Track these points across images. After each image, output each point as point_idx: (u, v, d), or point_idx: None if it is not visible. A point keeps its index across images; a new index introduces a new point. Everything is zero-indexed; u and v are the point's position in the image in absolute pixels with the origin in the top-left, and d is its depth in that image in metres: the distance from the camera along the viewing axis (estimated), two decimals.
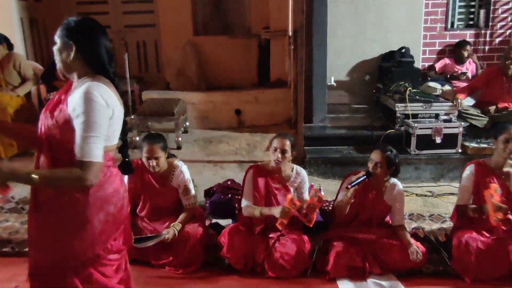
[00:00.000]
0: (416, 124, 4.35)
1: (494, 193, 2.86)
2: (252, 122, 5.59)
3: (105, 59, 1.76)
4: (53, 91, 4.88)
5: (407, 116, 4.58)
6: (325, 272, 2.99)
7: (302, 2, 4.33)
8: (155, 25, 6.77)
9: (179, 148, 4.90)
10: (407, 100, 4.59)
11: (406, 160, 4.42)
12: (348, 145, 4.69)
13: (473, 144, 4.45)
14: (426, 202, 4.07)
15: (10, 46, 4.81)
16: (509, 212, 2.86)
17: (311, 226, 2.98)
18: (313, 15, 4.73)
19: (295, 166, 3.29)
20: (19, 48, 5.60)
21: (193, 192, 3.26)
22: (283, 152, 3.09)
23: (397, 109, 4.60)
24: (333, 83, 5.58)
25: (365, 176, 3.01)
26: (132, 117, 4.81)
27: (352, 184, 2.96)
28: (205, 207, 3.73)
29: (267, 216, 3.11)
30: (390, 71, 5.26)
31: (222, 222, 3.47)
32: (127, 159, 1.92)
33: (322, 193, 3.67)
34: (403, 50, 5.60)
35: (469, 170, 3.14)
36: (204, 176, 4.28)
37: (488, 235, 3.04)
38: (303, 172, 3.28)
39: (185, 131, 5.40)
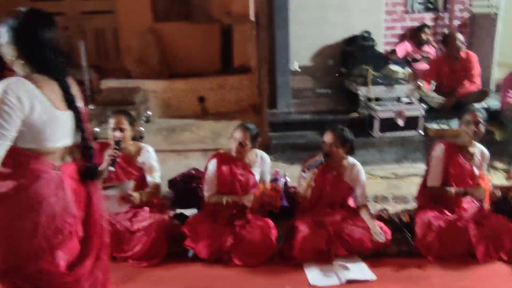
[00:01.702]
0: (378, 107, 4.39)
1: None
2: (217, 109, 5.52)
3: (49, 59, 1.72)
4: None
5: (370, 99, 4.61)
6: (292, 257, 2.98)
7: None
8: (113, 11, 6.53)
9: (141, 138, 4.76)
10: (370, 84, 4.62)
11: (370, 143, 4.49)
12: (313, 130, 4.69)
13: (434, 126, 4.53)
14: (390, 184, 4.13)
15: None
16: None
17: (278, 211, 2.97)
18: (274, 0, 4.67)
19: (258, 151, 3.27)
20: None
21: (158, 172, 3.21)
22: (241, 145, 3.05)
23: (359, 92, 4.63)
24: (297, 68, 5.55)
25: (321, 159, 3.01)
26: (91, 107, 4.65)
27: (309, 167, 2.96)
28: (169, 197, 3.67)
29: (233, 203, 3.08)
30: (353, 55, 5.27)
31: (187, 212, 3.42)
32: (89, 165, 1.85)
33: (288, 178, 3.69)
34: (365, 34, 5.62)
35: (439, 150, 3.18)
36: (167, 165, 4.19)
37: (449, 214, 3.12)
38: (266, 157, 3.27)
39: (148, 121, 5.27)
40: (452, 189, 3.09)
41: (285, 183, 3.59)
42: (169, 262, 2.99)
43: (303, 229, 3.01)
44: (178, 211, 3.48)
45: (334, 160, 3.11)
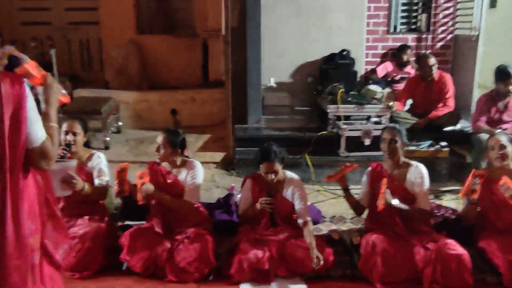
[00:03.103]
0: (345, 126, 4.30)
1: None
2: (189, 123, 5.47)
3: None
4: None
5: (339, 118, 4.52)
6: (229, 275, 2.87)
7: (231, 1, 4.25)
8: (98, 23, 6.59)
9: (106, 148, 4.73)
10: (339, 102, 4.54)
11: (335, 162, 4.37)
12: (281, 147, 4.58)
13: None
14: None
15: None
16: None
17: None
18: (246, 14, 4.65)
19: (191, 160, 3.19)
20: None
21: (106, 177, 3.15)
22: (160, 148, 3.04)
23: (328, 110, 4.55)
24: (272, 84, 5.50)
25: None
26: (59, 115, 4.62)
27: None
28: (118, 208, 3.60)
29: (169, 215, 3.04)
30: (329, 73, 5.22)
31: (135, 224, 3.33)
32: None
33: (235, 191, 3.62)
34: (344, 53, 5.57)
35: (366, 171, 3.21)
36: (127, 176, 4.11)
37: (395, 237, 2.98)
38: (198, 166, 3.14)
39: (118, 131, 5.23)
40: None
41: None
42: (103, 274, 2.90)
43: (243, 246, 2.91)
44: (126, 222, 3.41)
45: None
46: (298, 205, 3.03)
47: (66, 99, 1.96)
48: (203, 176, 3.18)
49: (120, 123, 5.30)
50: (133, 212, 3.48)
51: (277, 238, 2.98)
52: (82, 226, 3.00)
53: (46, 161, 1.74)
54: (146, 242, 2.93)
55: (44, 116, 1.79)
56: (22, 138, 1.65)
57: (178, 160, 3.13)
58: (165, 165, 3.14)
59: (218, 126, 4.95)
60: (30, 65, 1.87)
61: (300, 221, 3.02)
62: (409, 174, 3.06)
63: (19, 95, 1.63)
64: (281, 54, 5.66)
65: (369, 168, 3.16)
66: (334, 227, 3.56)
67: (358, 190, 4.17)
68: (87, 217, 3.07)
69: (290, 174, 3.11)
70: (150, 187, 2.92)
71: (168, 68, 6.12)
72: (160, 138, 3.05)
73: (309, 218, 3.03)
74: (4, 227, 1.63)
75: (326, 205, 3.96)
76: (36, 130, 1.68)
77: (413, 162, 3.11)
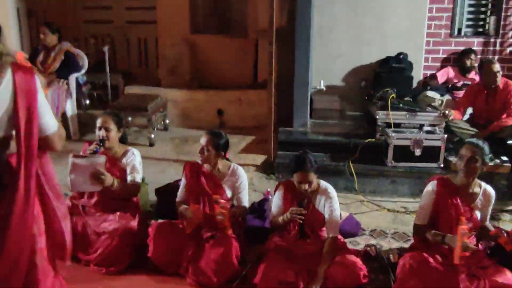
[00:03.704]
0: (393, 134, 4.04)
1: (465, 229, 2.54)
2: (235, 123, 5.42)
3: None
4: None
5: (389, 125, 4.26)
6: (253, 284, 2.76)
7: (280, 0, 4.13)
8: (155, 22, 6.72)
9: (151, 145, 4.79)
10: (389, 108, 4.27)
11: (382, 172, 4.13)
12: (325, 152, 4.42)
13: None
14: (396, 218, 3.76)
15: None
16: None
17: (228, 233, 2.83)
18: (296, 13, 4.51)
19: (233, 164, 3.11)
20: (14, 38, 5.68)
21: (140, 174, 3.16)
22: (204, 150, 2.98)
23: (377, 116, 4.30)
24: (322, 87, 5.32)
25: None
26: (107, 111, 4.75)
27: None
28: (153, 205, 3.61)
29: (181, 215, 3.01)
30: (382, 78, 4.95)
31: None
32: None
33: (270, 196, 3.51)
34: (401, 56, 5.26)
35: (430, 186, 2.83)
36: (166, 174, 4.15)
37: (441, 260, 2.71)
38: (240, 171, 3.10)
39: (165, 129, 5.29)
40: (431, 234, 2.71)
41: None
42: (129, 271, 2.89)
43: (270, 256, 2.78)
44: (160, 220, 3.40)
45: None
46: (328, 218, 2.85)
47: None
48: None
49: (167, 121, 5.36)
50: (168, 211, 3.48)
51: (306, 250, 2.83)
52: (112, 222, 3.02)
53: (60, 143, 1.90)
54: (171, 238, 2.90)
55: None
56: (36, 127, 1.75)
57: (220, 163, 3.07)
58: (206, 166, 3.08)
59: (264, 128, 4.84)
60: (19, 56, 1.95)
61: (326, 234, 2.85)
62: (479, 196, 2.77)
63: (32, 86, 1.72)
64: (334, 57, 5.47)
65: (434, 183, 2.80)
66: (373, 241, 3.33)
67: (406, 203, 3.94)
68: (118, 213, 3.09)
69: (324, 184, 2.94)
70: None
71: (219, 68, 6.11)
72: (204, 139, 3.00)
73: (336, 234, 2.84)
74: (14, 203, 1.71)
75: (367, 217, 3.74)
76: (48, 120, 1.80)
77: (483, 183, 2.80)
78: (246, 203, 3.12)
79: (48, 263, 1.86)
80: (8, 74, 1.71)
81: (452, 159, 4.03)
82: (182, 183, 3.12)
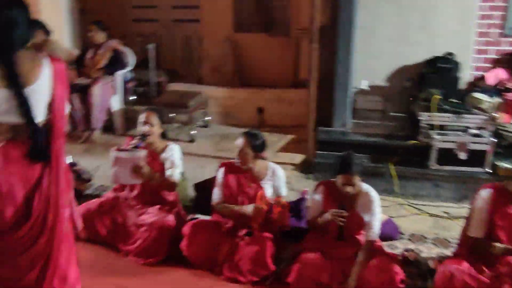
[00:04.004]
0: (437, 136, 3.91)
1: None
2: (274, 122, 5.42)
3: None
4: (82, 76, 5.11)
5: (432, 127, 4.13)
6: (287, 283, 2.76)
7: None
8: (199, 20, 6.83)
9: (191, 141, 4.87)
10: (434, 109, 4.14)
11: (425, 176, 4.02)
12: (365, 153, 4.33)
13: (506, 165, 3.89)
14: (438, 223, 3.64)
15: (47, 32, 5.10)
16: None
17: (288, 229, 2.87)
18: (338, 13, 4.45)
19: (271, 164, 3.12)
20: (66, 36, 5.93)
21: (178, 169, 3.22)
22: (242, 152, 3.03)
23: (421, 118, 4.17)
24: (365, 87, 5.22)
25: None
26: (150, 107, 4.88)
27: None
28: (192, 200, 3.68)
29: (237, 214, 2.98)
30: (427, 78, 4.80)
31: (205, 218, 3.37)
32: (35, 146, 1.92)
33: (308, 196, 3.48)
34: (448, 56, 5.08)
35: (485, 195, 2.61)
36: (205, 170, 4.20)
37: (486, 270, 2.59)
38: (279, 171, 3.12)
39: (205, 125, 5.38)
40: (501, 246, 2.54)
41: None
42: (166, 263, 2.97)
43: (306, 256, 2.77)
44: (197, 215, 3.46)
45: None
46: (368, 222, 2.79)
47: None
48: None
49: (208, 118, 5.44)
50: (206, 206, 3.54)
51: (343, 253, 2.80)
52: (151, 215, 3.11)
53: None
54: (207, 236, 2.95)
55: None
56: (64, 112, 2.01)
57: (258, 163, 3.09)
58: (244, 167, 3.09)
59: (303, 127, 4.82)
60: None
61: (365, 238, 2.80)
62: None
63: (65, 76, 1.97)
64: (377, 56, 5.34)
65: (489, 191, 2.61)
66: (411, 246, 3.24)
67: (448, 208, 3.80)
68: (157, 206, 3.17)
69: (366, 187, 2.87)
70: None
71: (261, 66, 6.14)
72: (240, 141, 3.02)
73: (374, 238, 2.79)
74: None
75: (407, 220, 3.64)
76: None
77: None
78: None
79: (68, 235, 2.08)
80: (46, 66, 1.91)
81: (501, 164, 3.86)
82: (218, 183, 3.10)
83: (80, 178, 3.79)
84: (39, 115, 1.92)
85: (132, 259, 3.01)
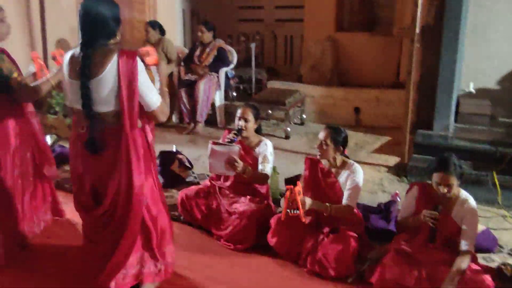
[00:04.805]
0: None
1: None
2: (371, 122, 5.34)
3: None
4: (189, 73, 5.52)
5: None
6: (370, 283, 2.76)
7: None
8: (302, 20, 6.95)
9: (287, 137, 5.01)
10: None
11: None
12: (466, 160, 4.09)
13: None
14: None
15: (162, 32, 5.60)
16: None
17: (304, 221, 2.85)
18: (445, 11, 4.25)
19: (351, 161, 3.13)
20: (178, 36, 6.44)
21: (270, 164, 3.36)
22: (322, 144, 3.05)
23: None
24: (472, 90, 4.91)
25: None
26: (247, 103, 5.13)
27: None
28: (282, 194, 3.80)
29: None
30: None
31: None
32: (89, 137, 2.15)
33: None
34: None
35: None
36: (297, 166, 4.31)
37: None
38: (358, 169, 3.06)
39: (301, 123, 5.48)
40: None
41: None
42: (253, 251, 3.13)
43: (391, 257, 2.74)
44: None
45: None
46: (464, 230, 2.66)
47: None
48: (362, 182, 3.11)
49: (304, 116, 5.53)
50: None
51: (431, 258, 2.70)
52: (243, 204, 3.29)
53: (163, 116, 2.31)
54: (291, 230, 3.02)
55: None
56: (136, 103, 2.13)
57: (338, 159, 3.12)
58: (324, 162, 3.17)
59: (401, 129, 4.69)
60: (151, 49, 2.38)
61: (461, 248, 2.66)
62: None
63: (133, 69, 2.08)
64: (488, 57, 4.98)
65: None
66: (510, 261, 3.03)
67: None
68: (249, 197, 3.35)
69: (465, 194, 2.74)
70: (308, 201, 2.89)
71: (360, 66, 6.08)
72: (322, 134, 3.07)
73: (471, 249, 2.65)
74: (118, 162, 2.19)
75: (508, 234, 3.39)
76: (152, 97, 2.20)
77: None
78: (351, 201, 3.01)
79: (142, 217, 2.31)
80: (114, 59, 2.06)
81: None
82: (303, 176, 3.21)
83: (183, 165, 4.11)
84: (104, 106, 2.11)
85: (223, 244, 3.22)
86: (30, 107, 2.87)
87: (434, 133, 4.49)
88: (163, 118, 2.31)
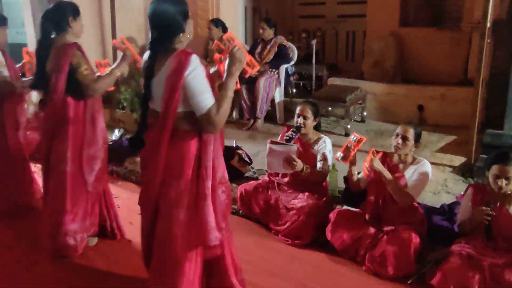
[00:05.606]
0: None
1: None
2: (435, 121, 5.15)
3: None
4: None
5: None
6: (430, 285, 2.69)
7: None
8: (365, 15, 6.82)
9: (346, 135, 4.96)
10: None
11: None
12: None
13: None
14: None
15: (224, 30, 5.73)
16: None
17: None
18: None
19: (420, 158, 3.07)
20: (240, 33, 6.56)
21: (328, 162, 3.38)
22: (403, 139, 3.00)
23: None
24: None
25: None
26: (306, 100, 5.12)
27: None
28: (341, 192, 3.79)
29: (380, 206, 3.06)
30: None
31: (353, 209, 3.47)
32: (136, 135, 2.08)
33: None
34: None
35: None
36: (357, 164, 4.26)
37: None
38: (427, 167, 3.02)
39: (362, 120, 5.39)
40: None
41: None
42: (311, 247, 3.15)
43: (453, 260, 2.67)
44: (344, 207, 3.57)
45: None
46: None
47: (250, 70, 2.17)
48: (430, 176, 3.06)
49: (365, 113, 5.45)
50: (354, 199, 3.62)
51: (495, 260, 2.60)
52: (301, 200, 3.32)
53: (212, 126, 1.98)
54: (351, 225, 3.03)
55: (222, 85, 2.05)
56: (173, 105, 1.97)
57: (410, 155, 3.09)
58: (394, 158, 3.12)
59: (467, 128, 4.49)
60: (232, 36, 2.11)
61: None
62: None
63: (179, 68, 1.95)
64: None
65: None
66: None
67: None
68: (307, 193, 3.38)
69: None
70: (376, 161, 2.97)
71: (425, 62, 5.87)
72: (403, 129, 3.02)
73: None
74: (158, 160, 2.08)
75: None
76: (203, 100, 1.95)
77: None
78: (414, 189, 2.97)
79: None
80: (170, 59, 2.00)
81: None
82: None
83: (243, 160, 4.20)
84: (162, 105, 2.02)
85: (280, 239, 3.27)
86: (98, 103, 2.95)
87: (504, 133, 4.25)
88: (211, 128, 1.98)
